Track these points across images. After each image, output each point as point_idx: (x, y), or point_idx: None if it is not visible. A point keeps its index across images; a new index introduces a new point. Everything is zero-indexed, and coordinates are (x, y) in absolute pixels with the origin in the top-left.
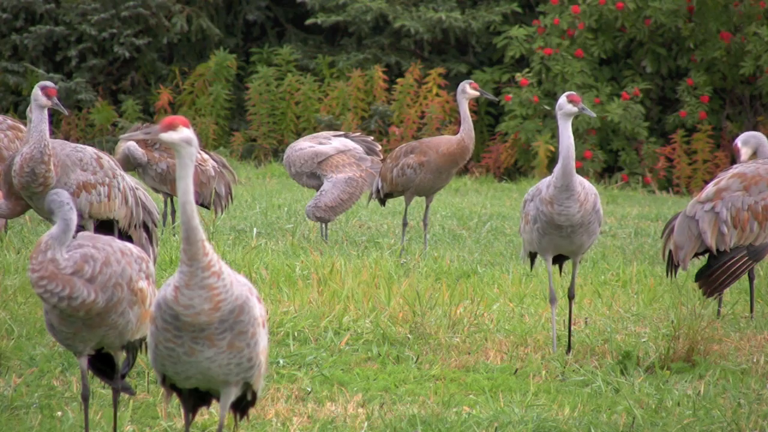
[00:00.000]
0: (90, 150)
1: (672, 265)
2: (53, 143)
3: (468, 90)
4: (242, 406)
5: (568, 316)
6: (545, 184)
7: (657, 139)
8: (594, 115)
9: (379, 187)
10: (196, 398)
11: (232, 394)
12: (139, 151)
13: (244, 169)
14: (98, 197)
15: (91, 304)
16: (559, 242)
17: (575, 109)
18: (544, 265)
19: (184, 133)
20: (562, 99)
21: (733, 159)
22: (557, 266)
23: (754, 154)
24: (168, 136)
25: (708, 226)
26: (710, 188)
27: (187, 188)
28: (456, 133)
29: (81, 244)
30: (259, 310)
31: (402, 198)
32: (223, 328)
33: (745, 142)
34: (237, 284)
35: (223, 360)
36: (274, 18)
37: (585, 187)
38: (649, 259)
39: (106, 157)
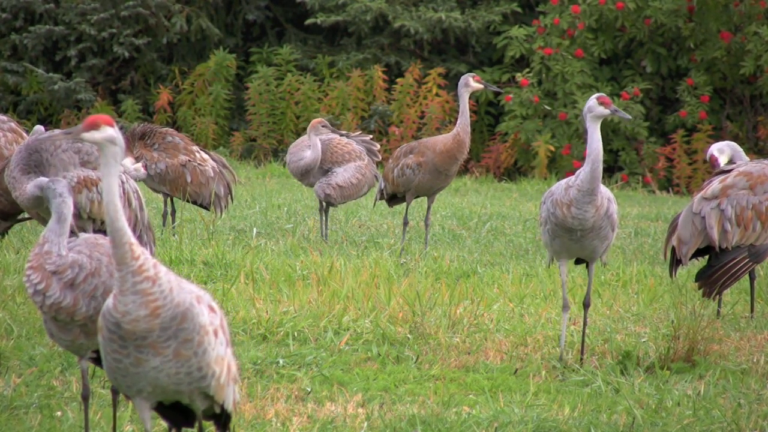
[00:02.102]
0: None
1: (675, 261)
2: (46, 142)
3: (471, 83)
4: (222, 421)
5: (582, 324)
6: (562, 187)
7: (657, 139)
8: (629, 117)
9: (383, 187)
10: (176, 415)
11: (198, 404)
12: (131, 168)
13: (243, 169)
14: (99, 196)
15: (70, 309)
16: (570, 246)
17: (607, 112)
18: (564, 269)
19: (108, 132)
20: (592, 101)
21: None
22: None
23: (730, 161)
24: (90, 135)
25: (715, 221)
26: (716, 185)
27: (111, 188)
28: None
29: (80, 250)
30: (208, 317)
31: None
32: (167, 335)
33: (720, 150)
34: (179, 291)
35: (171, 369)
36: (273, 18)
37: (602, 192)
38: (649, 259)
39: None
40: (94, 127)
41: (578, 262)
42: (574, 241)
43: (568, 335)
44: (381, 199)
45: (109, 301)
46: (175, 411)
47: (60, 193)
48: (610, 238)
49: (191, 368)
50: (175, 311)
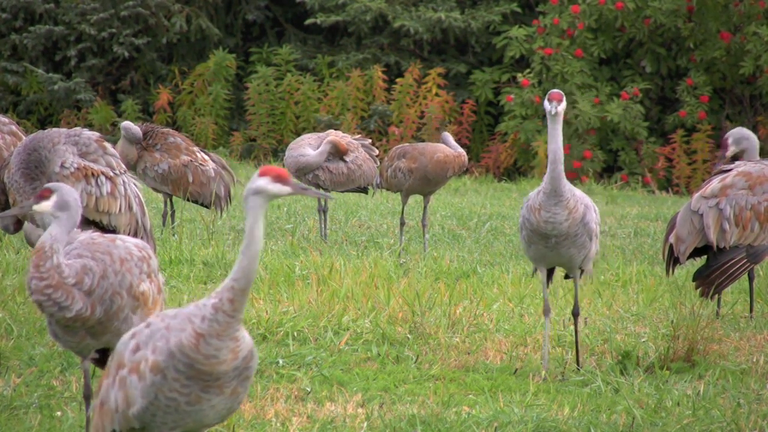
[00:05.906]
0: (87, 132)
1: (672, 259)
2: (44, 140)
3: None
4: None
5: (574, 334)
6: (535, 192)
7: (657, 139)
8: (555, 111)
9: (378, 182)
10: None
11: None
12: (134, 127)
13: (243, 168)
14: (99, 190)
15: (87, 316)
16: (546, 253)
17: (546, 108)
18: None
19: (290, 185)
20: (546, 98)
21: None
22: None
23: (740, 152)
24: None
25: (712, 221)
26: (715, 184)
27: (259, 237)
28: (454, 133)
29: (80, 253)
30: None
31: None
32: (234, 375)
33: (737, 142)
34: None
35: (221, 405)
36: (273, 18)
37: (575, 195)
38: (649, 259)
39: (111, 148)
40: (282, 180)
41: (566, 277)
42: (549, 248)
43: (567, 335)
44: (380, 187)
45: (184, 341)
46: None
47: (75, 199)
48: (588, 247)
49: (236, 403)
50: (246, 350)
